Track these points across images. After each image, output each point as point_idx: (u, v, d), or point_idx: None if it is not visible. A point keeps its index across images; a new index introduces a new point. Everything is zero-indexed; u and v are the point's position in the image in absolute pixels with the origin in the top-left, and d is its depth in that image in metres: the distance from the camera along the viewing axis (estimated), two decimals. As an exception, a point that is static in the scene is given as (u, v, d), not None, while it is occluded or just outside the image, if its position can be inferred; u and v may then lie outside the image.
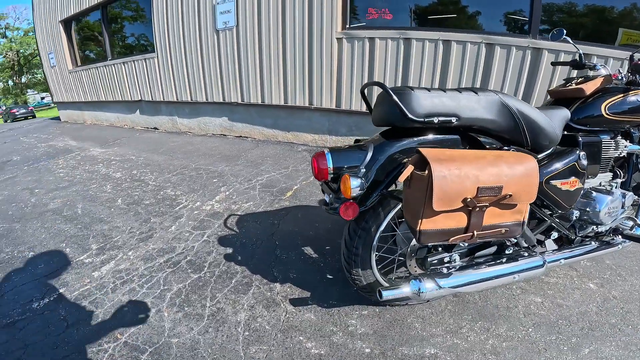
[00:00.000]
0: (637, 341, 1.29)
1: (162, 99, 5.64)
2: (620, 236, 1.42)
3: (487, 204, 0.92)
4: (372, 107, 1.25)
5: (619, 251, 1.53)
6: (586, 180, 1.33)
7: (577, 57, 1.58)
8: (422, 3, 3.60)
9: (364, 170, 1.09)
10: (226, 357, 1.31)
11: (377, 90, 1.21)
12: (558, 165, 1.21)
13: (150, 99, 5.87)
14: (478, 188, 0.88)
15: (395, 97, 1.03)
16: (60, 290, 1.78)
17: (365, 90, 1.32)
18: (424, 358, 1.25)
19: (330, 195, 1.16)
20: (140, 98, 6.06)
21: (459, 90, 1.13)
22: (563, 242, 1.46)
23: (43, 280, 1.89)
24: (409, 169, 0.92)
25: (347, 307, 1.52)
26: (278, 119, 4.38)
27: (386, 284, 1.36)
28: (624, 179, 1.48)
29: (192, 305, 1.61)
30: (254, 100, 4.42)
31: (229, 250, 2.04)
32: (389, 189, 1.16)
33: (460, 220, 0.94)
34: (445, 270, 1.19)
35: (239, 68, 4.43)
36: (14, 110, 21.16)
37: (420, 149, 0.94)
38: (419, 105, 1.06)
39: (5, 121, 21.27)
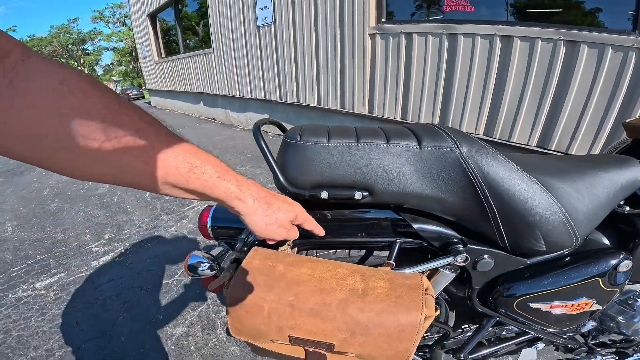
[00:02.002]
0: None
1: (218, 93, 6.01)
2: None
3: (321, 352, 0.59)
4: None
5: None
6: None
7: None
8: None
9: (241, 243, 0.77)
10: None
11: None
12: (555, 282, 0.72)
13: (210, 92, 6.29)
14: (290, 337, 0.57)
15: (267, 153, 0.68)
16: (61, 274, 2.04)
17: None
18: None
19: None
20: (202, 90, 6.55)
21: (389, 133, 0.66)
22: (558, 349, 1.05)
23: (52, 261, 2.20)
24: (224, 277, 0.63)
25: (275, 351, 1.41)
26: (312, 120, 4.30)
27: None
28: None
29: (147, 308, 1.71)
30: (290, 99, 4.41)
31: (205, 261, 2.07)
32: None
33: (294, 350, 0.62)
34: None
35: (277, 66, 4.46)
36: (128, 92, 24.93)
37: (254, 249, 0.64)
38: (305, 167, 0.66)
39: (121, 101, 25.26)
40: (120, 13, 38.99)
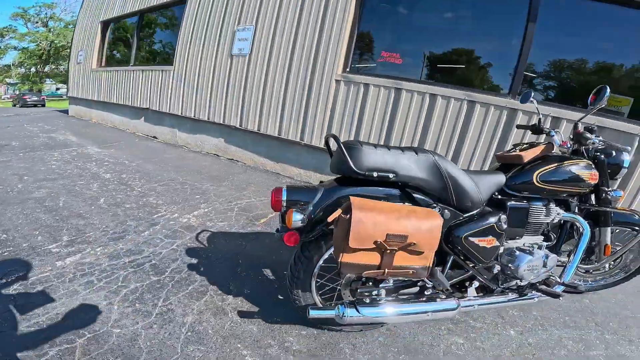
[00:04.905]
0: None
1: (167, 111, 5.91)
2: (535, 290, 1.54)
3: (396, 248, 1.13)
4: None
5: (548, 304, 1.87)
6: (512, 240, 1.51)
7: (536, 122, 1.75)
8: (436, 50, 3.82)
9: (311, 208, 1.27)
10: (163, 351, 1.41)
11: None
12: (477, 225, 1.38)
13: (157, 109, 6.15)
14: (387, 234, 1.09)
15: (344, 150, 1.23)
16: (20, 273, 1.87)
17: (330, 141, 1.49)
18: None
19: (281, 225, 1.35)
20: (148, 106, 6.35)
21: (402, 149, 1.33)
22: (485, 291, 1.59)
23: (6, 262, 1.97)
24: (338, 212, 1.17)
25: (289, 325, 1.63)
26: (270, 148, 4.60)
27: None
28: (553, 243, 1.59)
29: (144, 302, 1.71)
30: (251, 127, 4.67)
31: (194, 261, 2.14)
32: (330, 227, 1.32)
33: (373, 258, 1.15)
34: (368, 301, 1.35)
35: (243, 94, 4.73)
36: (26, 97, 21.78)
37: (351, 197, 1.16)
38: (363, 160, 1.25)
39: (14, 105, 21.72)
40: (46, 13, 34.90)
